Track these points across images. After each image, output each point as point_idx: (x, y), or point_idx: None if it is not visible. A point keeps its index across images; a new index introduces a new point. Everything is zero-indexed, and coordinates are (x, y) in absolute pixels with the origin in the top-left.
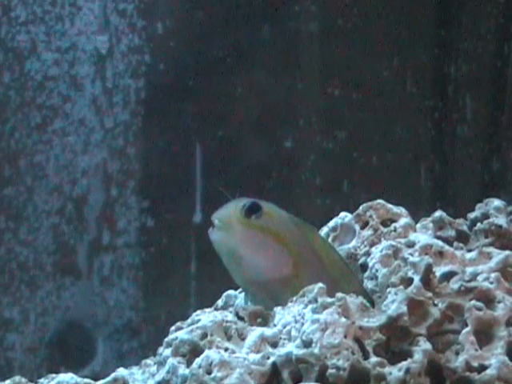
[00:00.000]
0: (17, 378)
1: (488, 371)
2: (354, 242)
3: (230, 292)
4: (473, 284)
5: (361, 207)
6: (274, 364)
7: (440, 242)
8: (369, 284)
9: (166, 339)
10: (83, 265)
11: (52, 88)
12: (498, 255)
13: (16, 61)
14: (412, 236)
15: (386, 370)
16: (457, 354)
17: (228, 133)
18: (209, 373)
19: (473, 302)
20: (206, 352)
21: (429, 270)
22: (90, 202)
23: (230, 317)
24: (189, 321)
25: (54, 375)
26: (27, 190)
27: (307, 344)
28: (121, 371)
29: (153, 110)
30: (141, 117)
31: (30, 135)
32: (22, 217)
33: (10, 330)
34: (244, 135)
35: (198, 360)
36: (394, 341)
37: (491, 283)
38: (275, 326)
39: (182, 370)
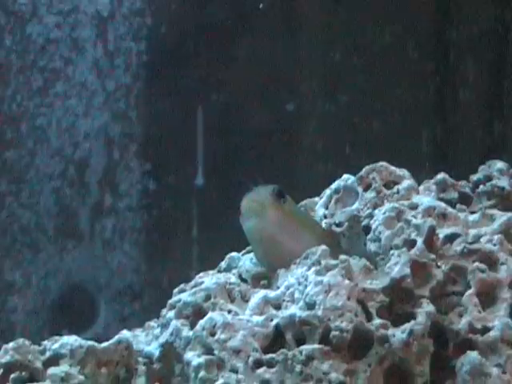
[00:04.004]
0: (20, 341)
1: (491, 333)
2: (356, 205)
3: (234, 254)
4: (476, 246)
5: (364, 169)
6: (277, 326)
7: (443, 204)
8: (372, 246)
9: (169, 301)
10: (85, 228)
11: (53, 51)
12: (501, 217)
13: (17, 24)
14: (415, 198)
15: (390, 331)
16: (460, 316)
17: (230, 97)
18: (212, 335)
19: (476, 264)
20: (210, 314)
21: (432, 232)
22: (92, 166)
23: (234, 279)
24: (192, 283)
25: (57, 338)
26: (29, 154)
27: (310, 306)
28: (124, 333)
29: (154, 73)
30: (142, 80)
31: (32, 98)
32: (24, 180)
33: (12, 293)
34: (246, 99)
35: (201, 322)
36: (398, 303)
37: (494, 245)
38: (278, 288)
39: (186, 332)
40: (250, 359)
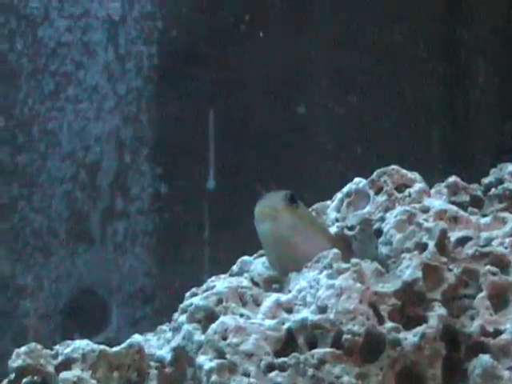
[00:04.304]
0: (32, 345)
1: (503, 336)
2: (368, 208)
3: (245, 258)
4: (487, 249)
5: (375, 173)
6: (289, 330)
7: (454, 207)
8: (383, 249)
9: (181, 305)
10: (96, 231)
11: (65, 55)
12: None
13: (29, 28)
14: (426, 201)
15: (401, 335)
16: (472, 319)
17: (241, 99)
18: (224, 339)
19: (488, 266)
20: (222, 318)
21: (443, 235)
22: (103, 169)
23: (245, 283)
24: (204, 287)
25: (69, 342)
26: (41, 157)
27: (322, 310)
28: (136, 337)
29: (166, 76)
30: (153, 83)
31: (43, 102)
32: (36, 184)
33: (24, 296)
34: (257, 101)
35: (213, 326)
36: (409, 306)
37: (506, 248)
38: (290, 291)
39: (198, 336)
40: (262, 363)
